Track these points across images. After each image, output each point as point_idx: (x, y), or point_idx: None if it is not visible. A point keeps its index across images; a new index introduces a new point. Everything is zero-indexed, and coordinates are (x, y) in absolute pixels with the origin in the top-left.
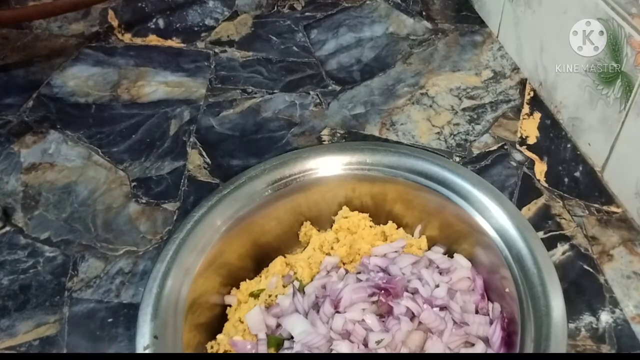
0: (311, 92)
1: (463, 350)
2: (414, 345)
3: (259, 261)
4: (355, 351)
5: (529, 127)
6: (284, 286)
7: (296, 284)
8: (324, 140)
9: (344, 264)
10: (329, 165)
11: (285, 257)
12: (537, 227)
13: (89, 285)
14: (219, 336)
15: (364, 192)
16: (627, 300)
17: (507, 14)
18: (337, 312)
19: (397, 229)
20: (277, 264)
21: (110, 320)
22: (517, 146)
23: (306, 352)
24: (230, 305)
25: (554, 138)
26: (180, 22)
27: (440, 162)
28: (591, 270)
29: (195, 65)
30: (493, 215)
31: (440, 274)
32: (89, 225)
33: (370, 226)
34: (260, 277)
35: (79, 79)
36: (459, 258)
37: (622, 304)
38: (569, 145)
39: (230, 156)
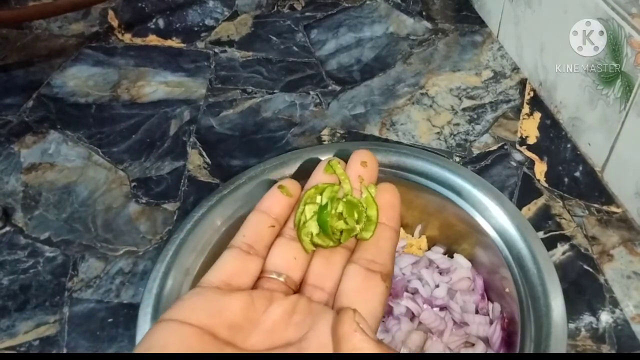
0: (311, 92)
1: (463, 351)
2: (414, 346)
3: None
4: None
5: (529, 127)
6: None
7: None
8: (324, 140)
9: None
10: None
11: None
12: (537, 227)
13: (89, 285)
14: None
15: None
16: (627, 300)
17: (507, 13)
18: None
19: None
20: None
21: (110, 320)
22: (517, 146)
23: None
24: None
25: (554, 138)
26: (180, 22)
27: (440, 162)
28: (591, 270)
29: (195, 65)
30: (493, 215)
31: (440, 274)
32: (89, 225)
33: None
34: None
35: (79, 79)
36: (459, 258)
37: (622, 304)
38: (569, 145)
39: (230, 156)
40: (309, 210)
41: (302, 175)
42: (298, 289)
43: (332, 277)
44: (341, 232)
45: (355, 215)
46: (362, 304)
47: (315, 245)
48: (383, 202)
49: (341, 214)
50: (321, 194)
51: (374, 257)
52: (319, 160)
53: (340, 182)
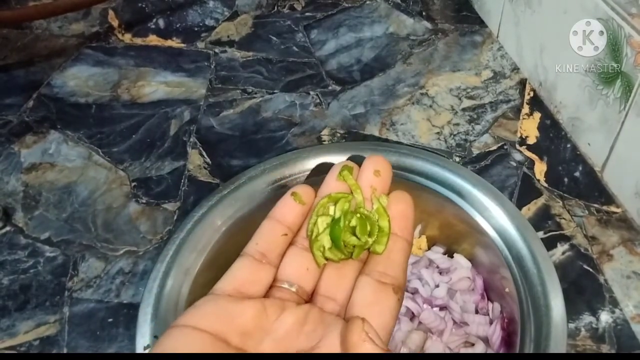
0: (311, 92)
1: (463, 350)
2: (414, 345)
3: None
4: None
5: (529, 127)
6: None
7: None
8: (324, 140)
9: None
10: (329, 166)
11: None
12: (537, 227)
13: (89, 285)
14: None
15: None
16: (627, 300)
17: (507, 14)
18: None
19: None
20: None
21: (110, 320)
22: (517, 146)
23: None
24: None
25: (554, 138)
26: (180, 22)
27: (440, 162)
28: (591, 270)
29: (195, 65)
30: (493, 215)
31: (440, 274)
32: (89, 225)
33: None
34: None
35: (79, 79)
36: (459, 258)
37: (622, 304)
38: (568, 145)
39: (230, 156)
40: (322, 222)
41: (303, 176)
42: (309, 299)
43: (343, 288)
44: (353, 247)
45: (368, 228)
46: (374, 317)
47: (327, 259)
48: (396, 212)
49: (354, 228)
50: (334, 204)
51: (385, 269)
52: (331, 164)
53: (352, 192)
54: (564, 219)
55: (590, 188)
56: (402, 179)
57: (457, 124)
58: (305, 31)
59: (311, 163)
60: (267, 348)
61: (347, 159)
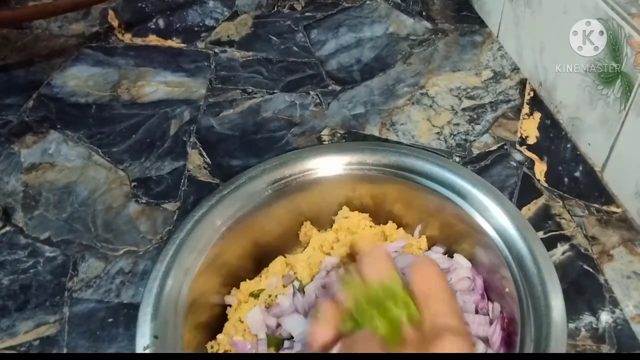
0: (311, 92)
1: None
2: None
3: (259, 261)
4: None
5: (529, 127)
6: (284, 286)
7: (296, 284)
8: (324, 140)
9: (344, 264)
10: (329, 165)
11: (285, 257)
12: (537, 227)
13: (89, 285)
14: (219, 336)
15: (364, 192)
16: (627, 300)
17: (507, 14)
18: None
19: (397, 229)
20: (277, 264)
21: (110, 320)
22: (517, 146)
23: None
24: (230, 305)
25: (554, 138)
26: (180, 22)
27: (440, 162)
28: (591, 270)
29: (195, 65)
30: (493, 215)
31: None
32: (89, 225)
33: (370, 226)
34: (260, 277)
35: (79, 79)
36: (459, 258)
37: (622, 304)
38: (568, 145)
39: (230, 156)
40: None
41: (303, 176)
42: None
43: None
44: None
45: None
46: None
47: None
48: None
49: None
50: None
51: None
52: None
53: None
54: (564, 219)
55: (590, 188)
56: (402, 178)
57: (457, 124)
58: (305, 31)
59: (311, 163)
60: None
61: (347, 159)
